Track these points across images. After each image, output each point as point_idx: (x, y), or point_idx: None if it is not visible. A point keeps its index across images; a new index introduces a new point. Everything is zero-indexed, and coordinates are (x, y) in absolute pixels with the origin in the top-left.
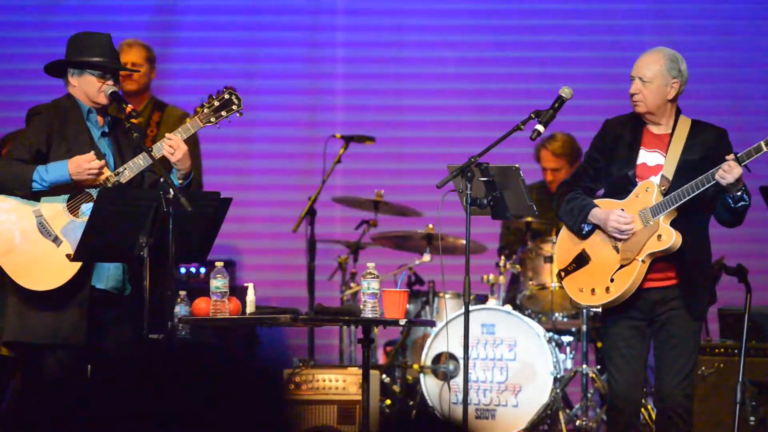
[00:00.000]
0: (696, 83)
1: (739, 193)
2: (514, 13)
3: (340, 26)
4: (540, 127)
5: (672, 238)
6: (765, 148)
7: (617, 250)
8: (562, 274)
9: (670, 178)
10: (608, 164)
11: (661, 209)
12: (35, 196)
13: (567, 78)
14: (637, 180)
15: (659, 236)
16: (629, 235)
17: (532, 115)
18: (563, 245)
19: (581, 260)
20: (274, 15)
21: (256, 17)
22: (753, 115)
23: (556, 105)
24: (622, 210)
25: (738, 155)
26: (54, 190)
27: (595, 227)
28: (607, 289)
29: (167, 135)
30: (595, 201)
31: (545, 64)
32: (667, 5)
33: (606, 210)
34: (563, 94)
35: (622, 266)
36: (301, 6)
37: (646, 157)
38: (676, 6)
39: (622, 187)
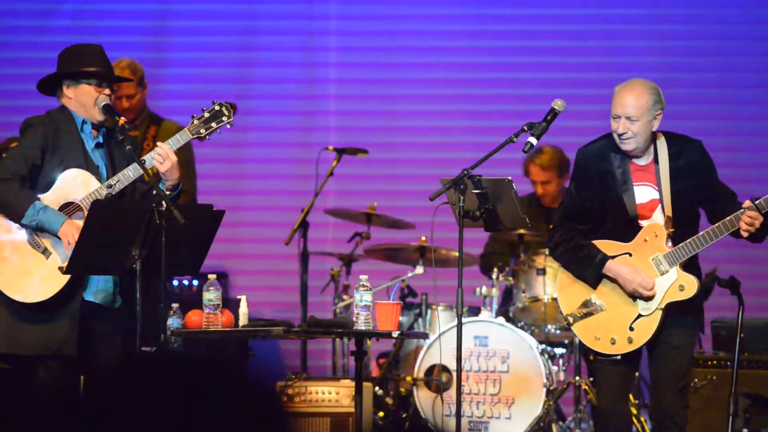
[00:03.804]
0: (688, 98)
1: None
2: (509, 20)
3: (333, 46)
4: (533, 140)
5: (695, 289)
6: None
7: (633, 299)
8: (570, 319)
9: (672, 215)
10: (600, 203)
11: (678, 258)
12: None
13: (562, 84)
14: (638, 221)
15: (681, 287)
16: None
17: (525, 128)
18: (567, 290)
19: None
20: (267, 34)
21: (249, 37)
22: (744, 136)
23: (549, 117)
24: (632, 263)
25: (757, 203)
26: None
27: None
28: (630, 339)
29: (158, 144)
30: (599, 243)
31: (540, 71)
32: (660, 10)
33: (627, 267)
34: (556, 107)
35: (640, 315)
36: (294, 27)
37: (637, 193)
38: (669, 11)
39: (623, 228)
